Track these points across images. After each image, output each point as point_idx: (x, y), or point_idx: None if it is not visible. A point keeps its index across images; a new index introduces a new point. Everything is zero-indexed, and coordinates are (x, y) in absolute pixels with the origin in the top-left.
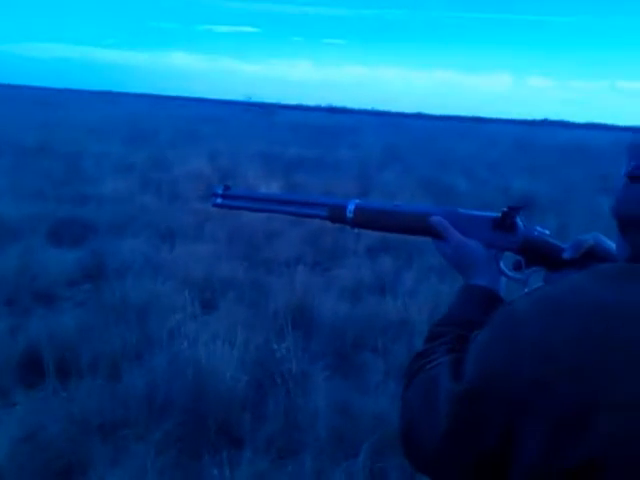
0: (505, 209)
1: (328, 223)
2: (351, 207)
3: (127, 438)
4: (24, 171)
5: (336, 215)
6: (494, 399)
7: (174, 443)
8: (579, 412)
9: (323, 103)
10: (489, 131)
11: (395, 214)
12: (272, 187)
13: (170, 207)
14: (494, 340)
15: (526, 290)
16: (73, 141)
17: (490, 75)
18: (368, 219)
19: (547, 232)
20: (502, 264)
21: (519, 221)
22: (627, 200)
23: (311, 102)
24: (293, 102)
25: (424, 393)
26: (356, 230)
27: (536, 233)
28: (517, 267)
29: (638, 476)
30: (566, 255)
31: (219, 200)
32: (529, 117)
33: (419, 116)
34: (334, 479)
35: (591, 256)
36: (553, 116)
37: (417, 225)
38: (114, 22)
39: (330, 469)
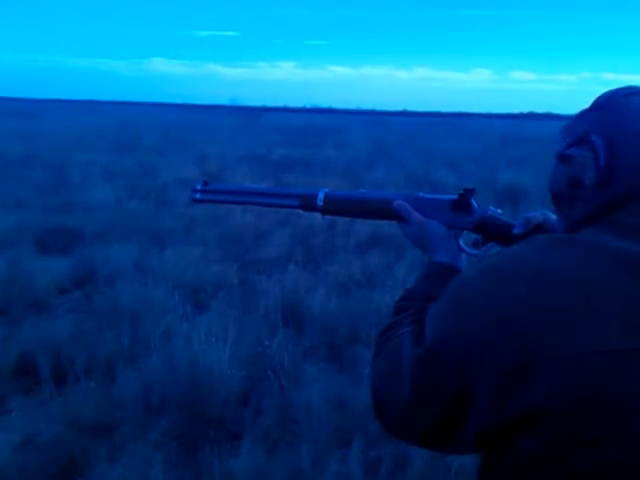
0: (461, 191)
1: (317, 221)
2: (321, 196)
3: (125, 437)
4: (10, 181)
5: (308, 204)
6: (449, 360)
7: (172, 439)
8: (521, 366)
9: (308, 104)
10: (474, 126)
11: (361, 201)
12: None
13: (158, 212)
14: (446, 308)
15: None
16: (58, 151)
17: (472, 71)
18: (337, 206)
19: (499, 211)
20: (461, 242)
21: (474, 202)
22: (556, 178)
23: (296, 103)
24: (278, 104)
25: (390, 360)
26: (327, 217)
27: (490, 212)
28: (475, 245)
29: (574, 424)
30: (517, 231)
31: (198, 195)
32: (515, 111)
33: (404, 113)
34: (330, 467)
35: (539, 231)
36: (539, 109)
37: (382, 210)
38: (91, 30)
39: (325, 458)
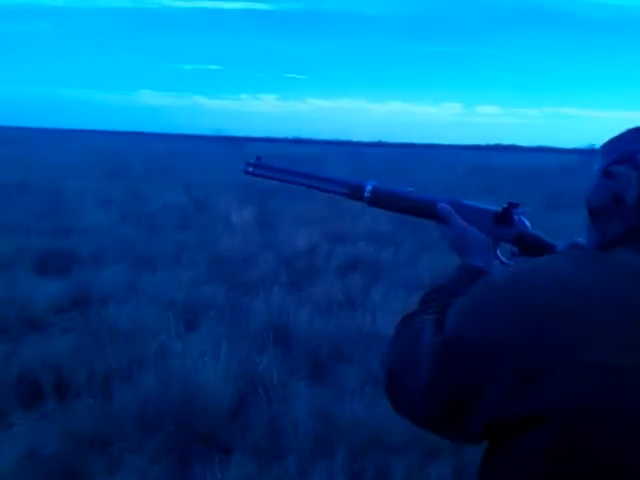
0: (505, 205)
1: (300, 246)
2: (369, 188)
3: (122, 451)
4: (5, 206)
5: (355, 194)
6: (464, 352)
7: (167, 453)
8: (534, 368)
9: (289, 135)
10: (445, 156)
11: (406, 199)
12: (247, 213)
13: (150, 237)
14: (472, 303)
15: None
16: (51, 177)
17: (442, 105)
18: (382, 200)
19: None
20: (499, 251)
21: (516, 216)
22: (598, 192)
23: (278, 134)
24: (261, 134)
25: (409, 344)
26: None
27: (530, 230)
28: (512, 255)
29: (579, 429)
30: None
31: (251, 169)
32: (482, 142)
33: (379, 144)
34: (315, 478)
35: None
36: (505, 141)
37: (425, 210)
38: (82, 62)
39: (312, 470)
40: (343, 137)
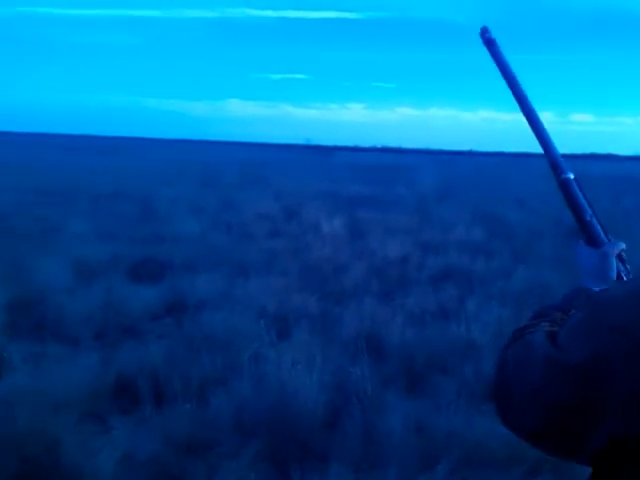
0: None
1: (390, 257)
2: (562, 177)
3: (220, 457)
4: (101, 215)
5: (552, 167)
6: (577, 370)
7: (263, 460)
8: None
9: (378, 144)
10: (538, 165)
11: (581, 212)
12: (337, 222)
13: (241, 245)
14: (587, 320)
15: None
16: (143, 186)
17: None
18: (564, 195)
19: None
20: None
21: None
22: None
23: (366, 143)
24: (349, 143)
25: (523, 354)
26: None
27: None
28: None
29: None
30: None
31: (487, 36)
32: (577, 151)
33: (470, 153)
34: None
35: None
36: (600, 150)
37: (588, 232)
38: (170, 73)
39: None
40: (433, 146)
